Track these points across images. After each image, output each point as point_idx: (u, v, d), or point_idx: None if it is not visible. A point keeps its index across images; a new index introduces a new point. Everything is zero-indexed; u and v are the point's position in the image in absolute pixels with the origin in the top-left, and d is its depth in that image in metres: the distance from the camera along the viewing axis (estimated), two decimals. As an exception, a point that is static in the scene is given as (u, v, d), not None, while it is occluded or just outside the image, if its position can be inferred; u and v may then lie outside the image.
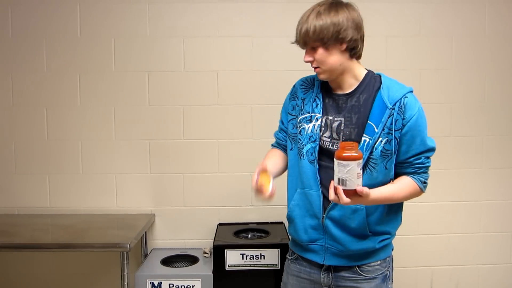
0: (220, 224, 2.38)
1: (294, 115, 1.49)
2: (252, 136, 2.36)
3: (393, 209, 1.45)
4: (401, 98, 1.34)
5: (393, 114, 1.33)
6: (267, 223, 2.37)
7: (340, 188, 1.20)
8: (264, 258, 2.04)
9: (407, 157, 1.37)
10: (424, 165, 1.39)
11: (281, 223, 2.35)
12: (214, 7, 2.36)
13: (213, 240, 2.14)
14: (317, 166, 1.40)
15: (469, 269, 2.49)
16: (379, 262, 1.44)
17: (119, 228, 2.12)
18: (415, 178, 1.39)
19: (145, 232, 2.34)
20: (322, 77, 1.39)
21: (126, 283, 1.93)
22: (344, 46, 1.34)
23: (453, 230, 2.48)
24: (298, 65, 2.37)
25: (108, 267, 2.40)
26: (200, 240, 2.40)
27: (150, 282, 2.03)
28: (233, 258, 2.04)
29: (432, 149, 1.39)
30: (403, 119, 1.33)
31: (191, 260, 2.23)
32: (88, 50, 2.36)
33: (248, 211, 2.40)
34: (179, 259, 2.26)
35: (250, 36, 2.37)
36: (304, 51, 1.41)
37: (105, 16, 2.35)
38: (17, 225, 2.22)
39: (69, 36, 2.35)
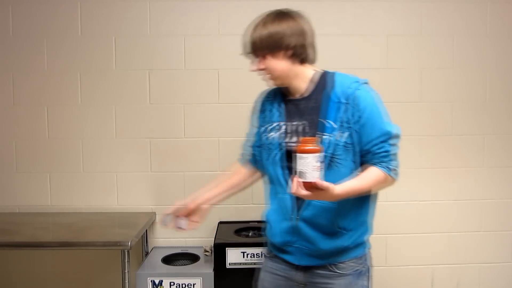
0: (220, 223, 2.38)
1: (264, 127, 1.53)
2: (253, 135, 2.36)
3: (363, 203, 1.46)
4: (354, 91, 1.38)
5: (348, 108, 1.36)
6: (268, 221, 2.37)
7: (299, 181, 1.23)
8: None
9: (369, 147, 1.38)
10: (389, 152, 1.38)
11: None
12: (215, 5, 2.36)
13: (213, 239, 2.14)
14: (286, 171, 1.43)
15: (470, 267, 2.49)
16: (353, 260, 1.46)
17: (120, 226, 2.12)
18: (381, 167, 1.38)
19: (146, 230, 2.35)
20: (275, 83, 1.46)
21: (127, 281, 1.94)
22: (290, 52, 1.39)
23: (454, 229, 2.48)
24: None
25: (109, 266, 2.40)
26: (201, 238, 2.39)
27: (151, 281, 2.03)
28: (233, 256, 2.04)
29: (393, 135, 1.40)
30: (358, 111, 1.36)
31: (192, 258, 2.23)
32: (89, 49, 2.36)
33: (249, 210, 2.40)
34: (180, 258, 2.26)
35: (251, 34, 2.37)
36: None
37: (106, 15, 2.35)
38: (18, 223, 2.22)
39: (70, 35, 2.35)
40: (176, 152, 2.40)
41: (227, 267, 2.04)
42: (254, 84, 2.39)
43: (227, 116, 2.38)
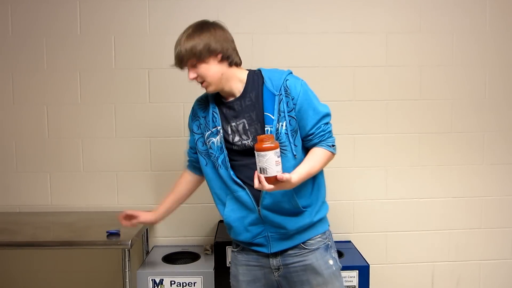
0: (221, 221, 2.38)
1: (200, 133, 1.60)
2: (253, 133, 2.36)
3: (316, 181, 1.55)
4: (283, 82, 1.48)
5: (282, 98, 1.47)
6: (268, 220, 2.37)
7: (262, 176, 1.33)
8: (265, 255, 2.04)
9: (309, 130, 1.49)
10: (326, 131, 1.50)
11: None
12: (215, 4, 2.35)
13: (214, 237, 2.14)
14: (232, 171, 1.52)
15: (470, 265, 2.50)
16: (319, 235, 1.56)
17: (120, 225, 2.12)
18: (323, 146, 1.50)
19: (146, 229, 2.35)
20: (211, 89, 1.51)
21: (127, 280, 1.93)
22: (220, 57, 1.48)
23: (454, 226, 2.48)
24: (298, 62, 2.39)
25: (109, 265, 2.40)
26: (201, 237, 2.40)
27: (152, 279, 2.04)
28: (234, 255, 2.04)
29: (326, 115, 1.52)
30: (292, 99, 1.47)
31: (193, 257, 2.23)
32: (89, 48, 2.36)
33: (249, 208, 2.40)
34: (181, 256, 2.26)
35: (250, 33, 2.36)
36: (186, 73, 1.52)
37: (105, 14, 2.35)
38: (18, 223, 2.22)
39: (69, 34, 2.35)
40: (176, 151, 2.39)
41: (227, 265, 2.04)
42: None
43: (227, 115, 2.38)
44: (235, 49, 1.54)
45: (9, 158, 2.39)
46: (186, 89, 2.37)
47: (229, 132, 1.52)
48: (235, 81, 1.52)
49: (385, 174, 2.42)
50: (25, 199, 2.40)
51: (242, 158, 1.51)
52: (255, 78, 1.52)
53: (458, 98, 2.44)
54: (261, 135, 1.36)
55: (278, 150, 1.33)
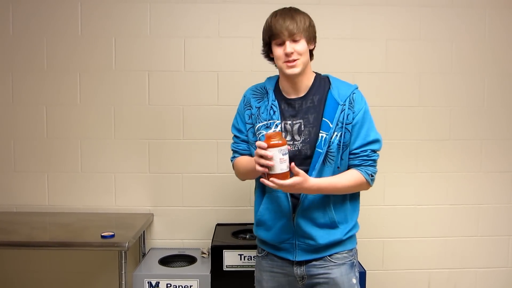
0: (218, 225, 2.38)
1: (251, 124, 1.56)
2: (252, 137, 2.36)
3: (354, 201, 1.55)
4: (350, 94, 1.48)
5: (345, 109, 1.46)
6: (265, 224, 2.37)
7: (270, 174, 1.32)
8: (262, 259, 2.04)
9: (354, 148, 1.48)
10: (370, 157, 1.49)
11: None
12: (215, 7, 2.36)
13: (211, 241, 2.14)
14: None
15: (466, 272, 2.50)
16: (346, 252, 1.53)
17: (117, 227, 2.12)
18: (361, 170, 1.48)
19: (143, 231, 2.35)
20: (297, 70, 1.46)
21: (123, 282, 1.93)
22: (312, 46, 1.52)
23: (451, 233, 2.48)
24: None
25: (106, 266, 2.40)
26: (198, 240, 2.40)
27: (148, 282, 2.03)
28: (231, 259, 2.04)
29: (376, 141, 1.50)
30: (353, 112, 1.47)
31: (189, 260, 2.23)
32: (89, 49, 2.36)
33: (247, 212, 2.40)
34: (177, 259, 2.26)
35: (251, 37, 2.37)
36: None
37: (106, 15, 2.35)
38: (15, 223, 2.22)
39: (70, 35, 2.35)
40: (175, 154, 2.40)
41: (224, 269, 2.04)
42: (253, 86, 2.41)
43: (226, 118, 2.37)
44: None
45: (7, 157, 2.39)
46: (186, 92, 2.39)
47: (282, 129, 1.49)
48: (308, 76, 1.51)
49: (383, 180, 2.42)
50: (22, 199, 2.39)
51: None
52: (322, 82, 1.52)
53: (456, 106, 2.45)
54: (269, 132, 1.35)
55: (285, 148, 1.31)
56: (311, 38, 1.49)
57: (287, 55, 1.44)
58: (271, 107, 1.51)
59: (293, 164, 1.33)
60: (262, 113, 1.52)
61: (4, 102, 2.37)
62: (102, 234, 1.95)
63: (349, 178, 1.46)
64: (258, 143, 1.34)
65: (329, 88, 1.50)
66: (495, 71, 2.45)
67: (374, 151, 1.50)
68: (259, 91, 1.59)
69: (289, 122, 1.49)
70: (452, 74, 2.44)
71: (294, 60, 1.44)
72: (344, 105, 1.46)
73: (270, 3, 2.36)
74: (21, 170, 2.39)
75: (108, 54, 2.36)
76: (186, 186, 2.40)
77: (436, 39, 2.42)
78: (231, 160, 1.67)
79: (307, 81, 1.51)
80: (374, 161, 1.50)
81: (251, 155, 1.58)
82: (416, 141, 2.44)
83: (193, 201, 2.42)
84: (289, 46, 1.44)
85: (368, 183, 1.50)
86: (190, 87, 2.39)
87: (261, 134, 1.50)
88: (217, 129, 2.38)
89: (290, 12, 1.46)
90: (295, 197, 1.47)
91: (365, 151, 1.48)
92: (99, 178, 2.39)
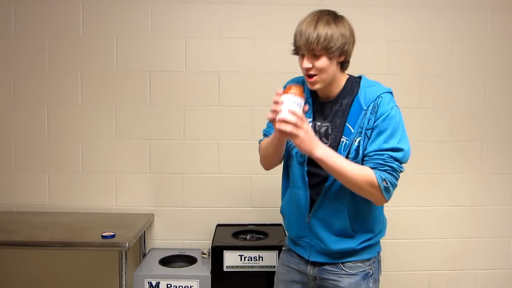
0: (218, 225, 2.38)
1: None
2: (252, 138, 2.36)
3: (374, 212, 1.49)
4: (376, 98, 1.38)
5: (367, 114, 1.37)
6: (265, 224, 2.37)
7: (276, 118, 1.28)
8: (262, 260, 2.04)
9: (368, 151, 1.36)
10: (387, 163, 1.33)
11: (280, 225, 2.35)
12: (217, 8, 2.36)
13: (211, 241, 2.14)
14: (306, 168, 1.45)
15: (467, 274, 2.49)
16: (361, 261, 1.48)
17: (118, 227, 2.12)
18: (375, 171, 1.33)
19: (144, 231, 2.35)
20: (317, 86, 1.40)
21: (124, 282, 1.93)
22: (342, 59, 1.40)
23: (452, 235, 2.48)
24: (299, 68, 2.39)
25: (106, 266, 2.40)
26: (198, 240, 2.40)
27: (148, 282, 2.03)
28: (231, 259, 2.04)
29: (399, 149, 1.34)
30: (375, 117, 1.36)
31: (190, 260, 2.23)
32: (90, 49, 2.36)
33: (247, 213, 2.40)
34: (178, 260, 2.26)
35: (252, 38, 2.37)
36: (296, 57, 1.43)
37: (107, 16, 2.36)
38: (16, 222, 2.22)
39: (71, 35, 2.36)
40: (175, 154, 2.40)
41: (224, 270, 2.04)
42: (254, 87, 2.42)
43: (227, 119, 2.39)
44: (351, 52, 1.43)
45: (8, 157, 2.39)
46: (187, 93, 2.39)
47: (312, 129, 1.42)
48: (336, 85, 1.43)
49: (384, 181, 2.42)
50: (23, 199, 2.40)
51: (312, 161, 1.39)
52: (353, 85, 1.44)
53: (457, 107, 2.45)
54: (291, 84, 1.35)
55: (298, 99, 1.26)
56: (340, 52, 1.36)
57: (306, 69, 1.38)
58: (306, 104, 1.47)
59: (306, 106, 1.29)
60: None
61: (5, 102, 2.38)
62: (103, 234, 1.95)
63: (359, 169, 1.33)
64: (277, 89, 1.30)
65: (358, 91, 1.42)
66: (496, 72, 2.45)
67: (394, 158, 1.33)
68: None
69: (318, 123, 1.45)
70: (453, 75, 2.44)
71: (313, 76, 1.38)
72: (367, 109, 1.37)
73: (271, 4, 2.39)
74: (22, 170, 2.39)
75: (109, 54, 2.36)
76: (187, 187, 2.40)
77: (437, 40, 2.42)
78: (259, 143, 1.63)
79: (336, 88, 1.44)
80: (393, 169, 1.33)
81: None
82: (417, 143, 2.43)
83: (193, 201, 2.42)
84: (307, 62, 1.36)
85: (380, 190, 1.32)
86: (191, 87, 2.39)
87: None
88: (218, 129, 2.39)
89: (318, 22, 1.34)
90: (314, 197, 1.45)
91: (381, 155, 1.33)
92: (100, 178, 2.39)
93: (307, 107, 1.33)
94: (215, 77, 2.38)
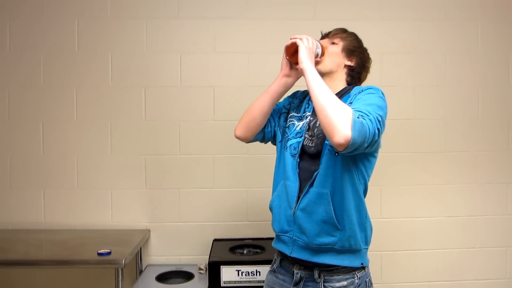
0: (215, 240, 2.37)
1: (287, 110, 1.66)
2: (248, 152, 2.37)
3: (359, 206, 1.49)
4: (363, 89, 1.47)
5: (352, 101, 1.43)
6: (262, 238, 2.36)
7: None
8: (259, 275, 2.03)
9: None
10: (362, 111, 1.31)
11: (277, 238, 2.35)
12: (211, 23, 2.38)
13: (208, 256, 2.12)
14: (298, 160, 1.51)
15: (465, 284, 2.49)
16: (344, 271, 1.47)
17: (114, 244, 2.10)
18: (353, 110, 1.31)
19: (140, 248, 2.33)
20: (320, 66, 1.54)
21: (120, 300, 1.92)
22: (352, 63, 1.59)
23: (449, 246, 2.48)
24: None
25: (102, 284, 2.37)
26: (195, 256, 2.38)
27: (145, 299, 2.02)
28: (228, 275, 2.03)
29: (378, 108, 1.35)
30: (359, 93, 1.45)
31: (186, 276, 2.22)
32: (85, 65, 2.37)
33: (244, 227, 2.40)
34: (174, 276, 2.24)
35: (247, 52, 2.39)
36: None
37: (102, 31, 2.37)
38: (11, 240, 2.20)
39: (66, 51, 2.36)
40: (171, 169, 2.40)
41: (221, 285, 2.02)
42: (249, 102, 2.41)
43: (223, 134, 2.39)
44: (366, 72, 1.65)
45: (3, 174, 2.37)
46: (183, 108, 2.40)
47: (310, 124, 1.54)
48: (334, 88, 1.52)
49: (379, 193, 2.43)
50: (18, 216, 2.37)
51: (304, 155, 1.51)
52: (349, 89, 1.56)
53: (451, 118, 2.47)
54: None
55: (314, 45, 1.48)
56: (350, 51, 1.58)
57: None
58: (308, 102, 1.60)
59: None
60: (301, 105, 1.61)
61: (0, 118, 2.37)
62: (99, 252, 1.93)
63: (337, 99, 1.32)
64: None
65: (350, 90, 1.53)
66: (488, 82, 2.48)
67: (370, 113, 1.31)
68: None
69: (314, 120, 1.53)
70: (446, 86, 2.46)
71: (318, 56, 1.54)
72: (355, 95, 1.45)
73: (265, 19, 2.41)
74: (17, 186, 2.38)
75: (104, 70, 2.37)
76: (183, 202, 2.40)
77: (429, 52, 2.45)
78: None
79: (334, 91, 1.44)
80: (370, 117, 1.29)
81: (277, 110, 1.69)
82: (411, 154, 2.45)
83: (190, 216, 2.41)
84: (324, 41, 1.60)
85: (351, 119, 1.24)
86: (186, 102, 2.39)
87: (291, 122, 1.59)
88: (214, 144, 2.39)
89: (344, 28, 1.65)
90: (302, 189, 1.47)
91: (358, 108, 1.32)
92: (96, 194, 2.38)
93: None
94: (210, 91, 2.39)
